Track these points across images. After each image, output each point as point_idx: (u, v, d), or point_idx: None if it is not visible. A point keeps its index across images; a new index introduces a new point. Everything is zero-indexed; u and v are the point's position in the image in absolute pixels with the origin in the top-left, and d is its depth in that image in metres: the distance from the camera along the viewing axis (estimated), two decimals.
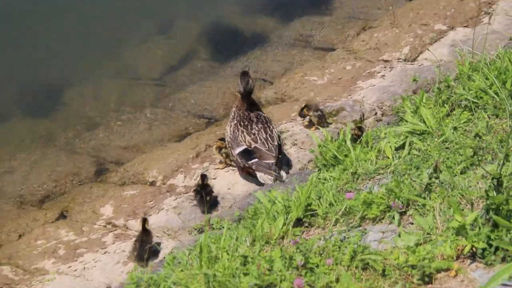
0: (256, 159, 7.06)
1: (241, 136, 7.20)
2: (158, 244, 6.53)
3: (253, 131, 7.23)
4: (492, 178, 4.32)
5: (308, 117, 8.11)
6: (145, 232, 6.40)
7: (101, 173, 8.40)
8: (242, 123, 7.31)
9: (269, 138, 7.19)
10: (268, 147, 7.12)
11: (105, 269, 6.33)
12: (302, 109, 8.14)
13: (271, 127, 7.34)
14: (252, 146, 7.12)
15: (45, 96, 10.20)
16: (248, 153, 7.12)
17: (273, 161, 7.03)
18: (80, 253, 6.60)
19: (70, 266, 6.43)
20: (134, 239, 6.44)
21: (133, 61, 11.02)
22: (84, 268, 6.38)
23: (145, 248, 6.27)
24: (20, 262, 6.60)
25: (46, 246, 6.76)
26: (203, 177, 7.03)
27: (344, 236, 4.69)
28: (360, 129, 7.25)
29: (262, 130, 7.25)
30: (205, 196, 6.83)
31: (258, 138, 7.17)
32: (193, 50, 11.36)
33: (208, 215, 6.69)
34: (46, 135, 9.34)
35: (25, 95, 10.24)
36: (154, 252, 6.30)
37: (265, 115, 7.57)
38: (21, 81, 10.44)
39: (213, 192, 7.02)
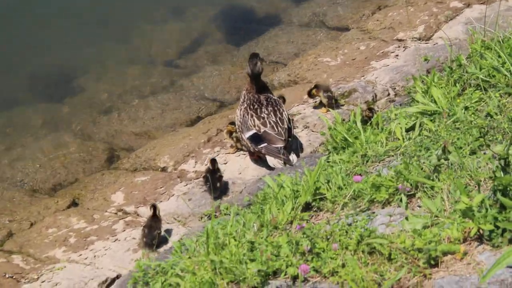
0: (266, 144, 7.00)
1: (251, 120, 7.14)
2: (169, 230, 6.50)
3: (262, 115, 7.16)
4: (499, 159, 4.25)
5: (317, 97, 8.05)
6: (154, 218, 6.37)
7: (113, 159, 8.40)
8: (252, 107, 7.25)
9: (279, 122, 7.12)
10: (278, 131, 7.05)
11: (115, 257, 6.31)
12: (311, 89, 8.07)
13: (281, 110, 7.27)
14: (262, 130, 7.06)
15: (57, 83, 10.24)
16: (257, 138, 7.05)
17: (282, 145, 6.96)
18: (90, 241, 6.59)
19: (80, 255, 6.42)
20: (142, 227, 6.41)
21: (146, 45, 11.02)
22: (95, 256, 6.36)
23: (154, 234, 6.24)
24: (31, 251, 6.60)
25: (57, 235, 6.75)
26: (213, 162, 6.97)
27: (352, 220, 4.63)
28: (371, 110, 7.16)
29: (272, 113, 7.19)
30: (214, 182, 6.78)
31: (267, 121, 7.11)
32: (206, 33, 11.34)
33: (217, 201, 6.65)
34: (58, 121, 9.37)
35: (37, 82, 10.27)
36: (164, 239, 6.27)
37: (276, 97, 7.50)
38: (33, 68, 10.49)
39: (222, 177, 6.97)
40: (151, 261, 4.95)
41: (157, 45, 11.05)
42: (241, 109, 7.32)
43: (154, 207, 6.40)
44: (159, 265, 4.82)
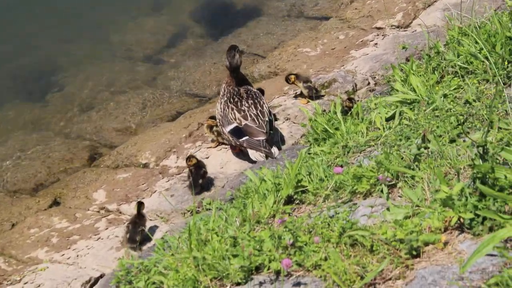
0: (247, 137, 6.98)
1: (231, 114, 7.12)
2: (152, 228, 6.48)
3: (243, 108, 7.14)
4: (478, 146, 4.24)
5: (295, 86, 8.02)
6: (139, 216, 6.35)
7: (95, 157, 8.35)
8: (232, 100, 7.22)
9: (259, 114, 7.10)
10: (259, 123, 7.03)
11: (98, 256, 6.28)
12: (289, 75, 8.04)
13: (262, 102, 7.25)
14: (243, 123, 7.04)
15: (36, 81, 10.18)
16: (238, 131, 7.03)
17: (263, 138, 6.94)
18: (73, 241, 6.56)
19: (63, 254, 6.38)
20: (126, 223, 6.38)
21: (124, 41, 10.96)
22: (77, 256, 6.33)
23: (138, 231, 6.22)
24: (13, 252, 6.56)
25: (39, 235, 6.72)
26: (191, 158, 6.94)
27: (334, 212, 4.62)
28: (351, 100, 7.15)
29: (252, 106, 7.16)
30: (196, 178, 6.76)
31: (248, 114, 7.09)
32: (185, 27, 11.30)
33: (198, 197, 6.63)
34: (38, 120, 9.31)
35: (15, 80, 10.21)
36: (147, 236, 6.24)
37: (255, 90, 7.47)
38: (11, 66, 10.43)
39: (206, 173, 6.94)
40: (134, 259, 4.93)
41: (136, 40, 10.99)
42: (221, 103, 7.30)
43: (139, 204, 6.37)
44: (142, 263, 4.79)
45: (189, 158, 6.93)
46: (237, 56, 7.35)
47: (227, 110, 7.16)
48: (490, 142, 4.31)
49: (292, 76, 7.98)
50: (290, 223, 4.46)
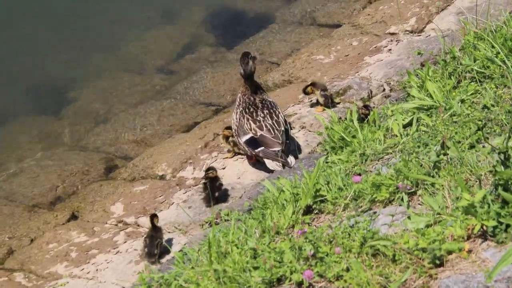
0: (263, 147, 6.96)
1: (247, 124, 7.10)
2: (170, 240, 6.46)
3: (258, 118, 7.12)
4: (499, 153, 4.20)
5: (312, 95, 8.00)
6: (155, 228, 6.33)
7: (111, 169, 8.33)
8: (247, 110, 7.21)
9: (275, 124, 7.08)
10: (274, 134, 7.01)
11: (117, 270, 6.26)
12: (306, 87, 8.02)
13: (277, 112, 7.23)
14: (258, 134, 7.02)
15: (50, 94, 10.16)
16: (254, 141, 7.01)
17: (279, 148, 6.91)
18: (92, 255, 6.55)
19: (82, 269, 6.38)
20: (144, 237, 6.37)
21: (136, 52, 10.95)
22: (97, 270, 6.31)
23: (155, 244, 6.20)
24: (32, 268, 6.56)
25: (58, 250, 6.72)
26: (211, 170, 6.91)
27: (354, 222, 4.58)
28: (367, 107, 7.12)
29: (268, 116, 7.14)
30: (213, 191, 6.73)
31: (263, 125, 7.07)
32: (197, 36, 11.28)
33: (216, 208, 6.60)
34: (53, 133, 9.30)
35: (30, 94, 10.18)
36: (166, 249, 6.23)
37: (271, 99, 7.46)
38: (25, 80, 10.40)
39: (222, 185, 6.91)
40: (154, 273, 4.91)
41: (148, 51, 10.98)
42: (236, 113, 7.28)
43: (153, 217, 6.35)
44: (162, 277, 4.77)
45: (209, 169, 6.91)
46: (251, 63, 7.34)
47: (243, 120, 7.14)
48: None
49: (310, 88, 7.96)
50: (310, 234, 4.43)
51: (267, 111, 7.18)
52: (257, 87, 7.45)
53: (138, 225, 6.90)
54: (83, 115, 9.61)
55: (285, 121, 7.25)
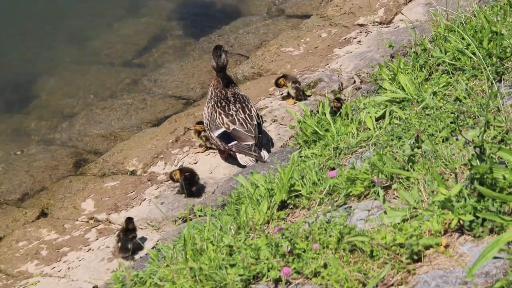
0: (236, 141, 6.92)
1: (219, 118, 7.05)
2: (143, 236, 6.40)
3: (231, 112, 7.07)
4: (475, 147, 4.20)
5: (285, 87, 7.96)
6: (129, 228, 6.25)
7: (80, 165, 8.23)
8: (219, 104, 7.15)
9: (247, 118, 7.04)
10: (247, 128, 6.97)
11: (89, 268, 6.19)
12: (278, 79, 7.98)
13: (250, 106, 7.19)
14: (231, 128, 6.97)
15: (15, 89, 9.99)
16: (227, 136, 6.97)
17: (252, 142, 6.88)
18: (63, 253, 6.46)
19: (54, 267, 6.29)
20: (117, 233, 6.29)
21: (103, 45, 10.83)
22: (69, 268, 6.23)
23: (129, 238, 6.12)
24: (2, 267, 6.45)
25: (28, 248, 6.61)
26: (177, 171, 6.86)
27: (330, 217, 4.56)
28: (339, 100, 7.11)
29: (240, 110, 7.10)
30: (187, 187, 6.68)
31: (236, 119, 7.02)
32: (165, 29, 11.20)
33: (190, 203, 6.55)
34: (20, 129, 9.16)
35: None
36: (139, 245, 6.16)
37: (243, 93, 7.41)
38: None
39: (199, 179, 6.85)
40: (128, 271, 4.84)
41: (115, 44, 10.87)
42: (208, 107, 7.22)
43: (129, 221, 6.27)
44: (136, 275, 4.71)
45: (173, 172, 6.85)
46: (223, 56, 7.29)
47: (215, 114, 7.09)
48: (487, 142, 4.27)
49: (281, 80, 7.92)
50: (286, 230, 4.40)
51: (239, 105, 7.14)
52: (229, 80, 7.41)
53: (110, 222, 6.82)
54: (50, 109, 9.48)
55: (258, 115, 7.22)
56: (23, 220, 7.14)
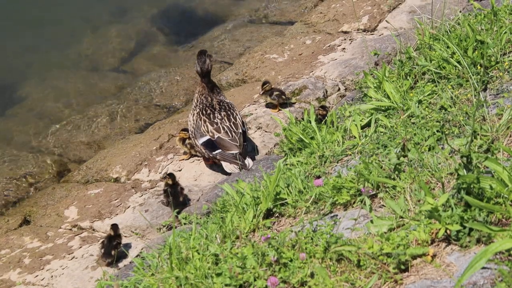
0: (220, 150, 6.89)
1: (204, 126, 7.02)
2: (127, 244, 6.35)
3: (215, 120, 7.04)
4: (462, 156, 4.20)
5: (273, 90, 7.91)
6: (115, 235, 6.21)
7: (63, 172, 8.16)
8: (204, 112, 7.12)
9: (232, 126, 7.01)
10: (232, 136, 6.94)
11: (73, 276, 6.13)
12: (263, 85, 7.92)
13: (235, 113, 7.16)
14: (216, 136, 6.94)
15: None
16: (211, 144, 6.94)
17: (237, 151, 6.85)
18: (46, 261, 6.39)
19: (37, 276, 6.22)
20: (101, 241, 6.24)
21: (87, 51, 10.78)
22: (52, 277, 6.17)
23: (113, 245, 6.08)
24: None
25: (10, 256, 6.54)
26: (172, 176, 6.80)
27: (316, 226, 4.55)
28: (324, 108, 7.10)
29: (225, 117, 7.07)
30: (176, 195, 6.63)
31: (221, 127, 6.99)
32: (148, 36, 11.16)
33: (175, 212, 6.50)
34: (2, 134, 9.04)
35: None
36: (123, 253, 6.11)
37: (228, 100, 7.39)
38: None
39: (184, 189, 6.81)
40: (113, 280, 4.81)
41: (98, 50, 10.82)
42: (193, 114, 7.19)
43: (114, 227, 6.23)
44: (121, 284, 4.67)
45: (167, 176, 6.79)
46: (208, 61, 7.27)
47: (200, 122, 7.06)
48: (473, 151, 4.28)
49: (267, 86, 7.88)
50: (273, 239, 4.38)
51: (224, 113, 7.11)
52: (214, 85, 7.39)
53: (94, 230, 6.76)
54: (34, 115, 9.40)
55: (243, 122, 7.19)
56: (5, 227, 7.07)
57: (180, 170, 7.24)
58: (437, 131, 5.34)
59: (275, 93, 7.81)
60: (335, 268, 4.08)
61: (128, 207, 6.89)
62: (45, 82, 10.03)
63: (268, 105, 7.99)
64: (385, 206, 4.62)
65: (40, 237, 6.76)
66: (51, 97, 9.74)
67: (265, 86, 7.86)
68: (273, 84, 8.03)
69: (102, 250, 6.15)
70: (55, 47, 10.83)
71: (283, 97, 7.83)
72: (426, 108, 5.96)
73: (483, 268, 3.62)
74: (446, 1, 7.59)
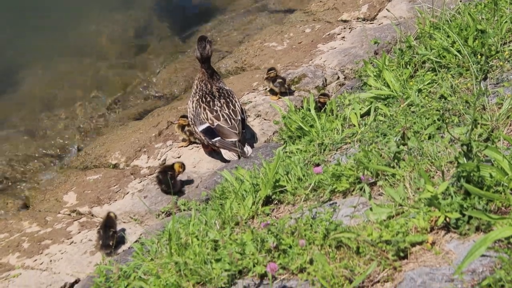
0: (219, 137, 6.89)
1: (203, 113, 7.02)
2: (126, 230, 6.36)
3: (215, 108, 7.04)
4: (462, 145, 4.21)
5: (277, 78, 7.91)
6: (109, 220, 6.20)
7: (62, 157, 8.15)
8: (204, 99, 7.12)
9: (232, 114, 7.01)
10: (231, 124, 6.94)
11: (72, 261, 6.13)
12: (269, 71, 7.91)
13: (234, 101, 7.16)
14: (215, 124, 6.94)
15: None
16: (211, 131, 6.94)
17: (236, 139, 6.85)
18: (45, 245, 6.40)
19: (35, 260, 6.22)
20: (97, 229, 6.24)
21: (86, 39, 10.75)
22: (51, 261, 6.17)
23: (109, 235, 6.08)
24: None
25: (9, 240, 6.54)
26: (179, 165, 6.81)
27: (315, 213, 4.56)
28: (326, 95, 7.10)
29: (224, 105, 7.07)
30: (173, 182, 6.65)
31: (220, 114, 6.99)
32: (148, 24, 11.15)
33: (174, 197, 6.51)
34: (2, 120, 9.02)
35: None
36: (121, 239, 6.12)
37: (227, 88, 7.38)
38: None
39: (176, 176, 6.82)
40: (112, 264, 4.82)
41: (98, 39, 10.78)
42: (193, 101, 7.19)
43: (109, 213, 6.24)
44: (120, 268, 4.68)
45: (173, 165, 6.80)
46: (208, 46, 7.26)
47: (199, 109, 7.06)
48: (474, 140, 4.29)
49: (272, 73, 7.88)
50: (272, 226, 4.39)
51: (223, 100, 7.10)
52: (213, 72, 7.38)
53: (92, 215, 6.76)
54: (33, 100, 9.38)
55: (242, 110, 7.19)
56: (4, 212, 7.07)
57: (179, 157, 7.24)
58: (437, 119, 5.35)
59: (278, 80, 7.82)
60: (334, 255, 4.09)
61: (127, 193, 6.90)
62: (46, 68, 10.01)
63: (270, 92, 7.98)
64: (384, 194, 4.62)
65: (38, 221, 6.76)
66: (49, 83, 9.72)
67: (270, 72, 7.86)
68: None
69: (100, 242, 6.15)
70: (56, 35, 10.79)
71: (285, 86, 7.83)
72: (426, 97, 5.97)
73: (482, 256, 3.64)
74: None
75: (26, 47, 10.41)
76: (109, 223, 6.22)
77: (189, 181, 6.90)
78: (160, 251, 4.73)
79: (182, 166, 6.77)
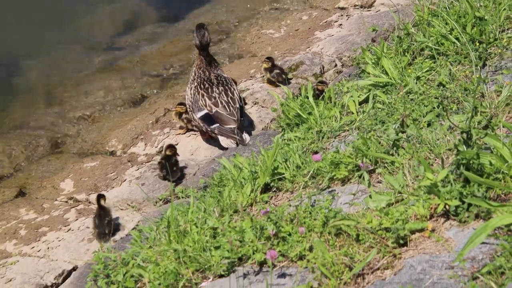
0: (218, 124, 6.87)
1: (202, 100, 7.00)
2: (123, 217, 6.34)
3: (213, 95, 7.02)
4: (461, 132, 4.21)
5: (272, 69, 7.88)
6: (102, 208, 6.18)
7: (58, 144, 8.09)
8: (202, 86, 7.10)
9: (230, 101, 6.99)
10: (230, 111, 6.92)
11: (69, 248, 6.11)
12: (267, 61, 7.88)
13: (232, 88, 7.14)
14: (213, 110, 6.92)
15: None
16: (209, 118, 6.92)
17: (235, 126, 6.84)
18: (42, 232, 6.38)
19: (33, 247, 6.20)
20: (93, 217, 6.22)
21: (78, 28, 10.67)
22: (48, 248, 6.15)
23: (105, 223, 6.06)
24: None
25: (6, 227, 6.51)
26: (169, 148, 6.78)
27: (314, 200, 4.56)
28: (324, 82, 7.08)
29: (223, 92, 7.05)
30: (171, 167, 6.62)
31: (219, 101, 6.97)
32: (141, 10, 11.17)
33: (169, 184, 6.49)
34: None
35: None
36: (117, 226, 6.11)
37: (226, 75, 7.36)
38: None
39: (178, 162, 6.79)
40: (110, 252, 4.80)
41: (90, 26, 10.73)
42: (191, 88, 7.17)
43: (99, 197, 6.19)
44: (119, 255, 4.67)
45: (168, 147, 6.76)
46: (206, 34, 7.24)
47: (198, 96, 7.04)
48: (473, 127, 4.28)
49: (265, 63, 7.85)
50: (271, 213, 4.39)
51: (222, 87, 7.09)
52: (212, 59, 7.36)
53: (90, 202, 6.74)
54: (28, 90, 9.31)
55: (240, 97, 7.17)
56: (1, 199, 7.02)
57: (176, 144, 7.21)
58: (436, 107, 5.34)
59: (276, 71, 7.79)
60: (334, 242, 4.09)
61: (124, 181, 6.88)
62: (39, 58, 9.92)
63: (268, 81, 7.94)
64: (383, 182, 4.62)
65: (35, 209, 6.74)
66: (44, 72, 9.64)
67: (267, 61, 7.83)
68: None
69: (96, 231, 6.13)
70: (48, 25, 10.71)
71: (283, 76, 7.81)
72: (424, 85, 5.96)
73: (482, 243, 3.64)
74: None
75: (19, 41, 10.33)
76: (103, 211, 6.20)
77: (187, 168, 6.88)
78: (159, 239, 4.73)
79: (172, 149, 6.75)
